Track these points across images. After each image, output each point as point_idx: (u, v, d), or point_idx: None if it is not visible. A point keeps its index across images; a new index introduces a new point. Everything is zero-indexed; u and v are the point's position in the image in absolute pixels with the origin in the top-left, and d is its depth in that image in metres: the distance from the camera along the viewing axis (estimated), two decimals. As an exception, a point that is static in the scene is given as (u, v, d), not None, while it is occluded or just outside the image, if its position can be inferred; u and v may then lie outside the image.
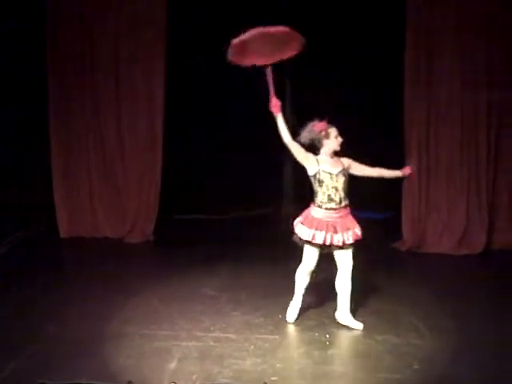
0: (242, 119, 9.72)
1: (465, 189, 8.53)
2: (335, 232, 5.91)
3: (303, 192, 9.82)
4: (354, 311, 6.32)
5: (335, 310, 6.26)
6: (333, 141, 5.93)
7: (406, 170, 6.32)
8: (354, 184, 9.86)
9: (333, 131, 5.93)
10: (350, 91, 9.69)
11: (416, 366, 5.36)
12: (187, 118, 9.79)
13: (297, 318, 6.24)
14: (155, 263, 8.33)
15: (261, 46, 5.67)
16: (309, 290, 6.31)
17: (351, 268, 6.10)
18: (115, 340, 5.86)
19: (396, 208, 8.84)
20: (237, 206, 9.99)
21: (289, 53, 5.91)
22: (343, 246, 5.98)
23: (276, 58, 5.86)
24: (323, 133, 5.90)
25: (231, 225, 9.72)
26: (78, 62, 8.99)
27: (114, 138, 9.17)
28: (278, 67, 8.66)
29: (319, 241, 5.90)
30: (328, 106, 9.51)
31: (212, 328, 6.09)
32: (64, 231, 9.31)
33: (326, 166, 5.91)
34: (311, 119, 5.94)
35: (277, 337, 5.93)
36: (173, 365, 5.37)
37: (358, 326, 6.08)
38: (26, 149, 9.22)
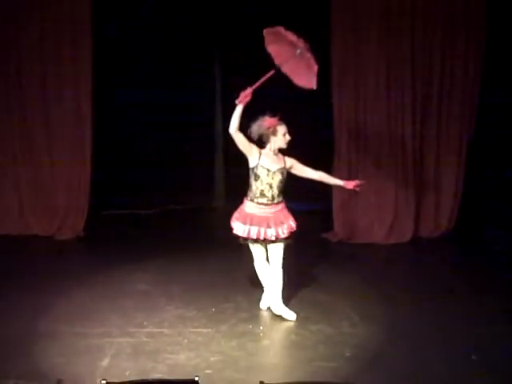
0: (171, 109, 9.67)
1: (393, 180, 8.68)
2: (268, 226, 5.96)
3: (235, 185, 9.92)
4: (288, 302, 6.36)
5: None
6: (280, 138, 5.95)
7: (350, 184, 6.24)
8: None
9: (281, 129, 5.95)
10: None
11: (348, 354, 5.45)
12: (117, 110, 9.63)
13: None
14: (86, 260, 8.20)
15: (290, 53, 5.88)
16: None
17: (282, 260, 6.14)
18: (45, 339, 5.75)
19: (326, 199, 8.92)
20: (167, 199, 9.91)
21: (298, 79, 6.03)
22: (277, 240, 6.03)
23: (287, 70, 5.98)
24: (271, 129, 5.91)
25: (161, 219, 9.64)
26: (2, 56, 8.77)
27: (41, 132, 8.92)
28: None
29: (253, 236, 5.96)
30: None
31: (145, 323, 6.04)
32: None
33: (266, 161, 5.93)
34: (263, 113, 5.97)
35: (210, 330, 5.92)
36: (105, 362, 5.31)
37: (292, 316, 6.12)
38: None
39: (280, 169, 5.97)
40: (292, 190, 9.96)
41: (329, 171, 8.66)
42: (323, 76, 8.47)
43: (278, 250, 6.10)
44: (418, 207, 8.77)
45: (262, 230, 5.94)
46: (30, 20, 8.64)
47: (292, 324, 6.04)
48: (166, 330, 5.90)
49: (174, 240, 8.52)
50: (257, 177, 5.93)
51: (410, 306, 6.47)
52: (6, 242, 8.82)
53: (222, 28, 9.72)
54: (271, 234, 5.96)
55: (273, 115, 5.94)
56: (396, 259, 8.13)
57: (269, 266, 6.16)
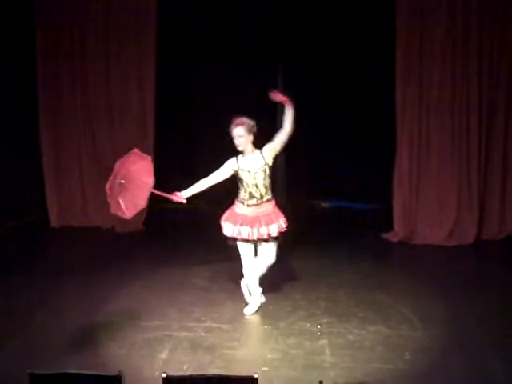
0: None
1: (455, 180, 8.54)
2: (260, 226, 5.96)
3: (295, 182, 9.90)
4: (347, 302, 6.37)
5: (324, 300, 6.31)
6: (235, 142, 5.93)
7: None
8: (345, 175, 10.02)
9: (234, 131, 5.91)
10: (340, 89, 9.70)
11: (407, 357, 5.37)
12: (179, 109, 9.72)
13: (255, 312, 6.23)
14: (145, 253, 8.29)
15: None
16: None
17: (273, 261, 6.17)
18: (106, 330, 5.84)
19: (387, 199, 8.84)
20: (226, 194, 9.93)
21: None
22: (268, 240, 6.04)
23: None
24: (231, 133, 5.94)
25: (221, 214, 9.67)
26: (67, 52, 8.95)
27: (105, 127, 9.15)
28: (270, 64, 8.56)
29: (245, 236, 5.97)
30: (318, 95, 9.55)
31: (203, 318, 6.09)
32: (55, 221, 9.29)
33: (245, 164, 5.95)
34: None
35: (268, 327, 5.93)
36: (164, 355, 5.37)
37: (254, 304, 6.21)
38: (17, 139, 9.14)
39: (261, 167, 5.93)
40: (351, 189, 10.05)
41: (390, 169, 8.70)
42: (388, 75, 8.50)
43: (269, 251, 6.12)
44: (482, 209, 8.60)
45: (255, 230, 5.94)
46: (94, 14, 8.81)
47: (350, 324, 5.98)
48: (223, 326, 5.93)
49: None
50: (241, 181, 5.96)
51: (471, 310, 6.33)
52: (70, 234, 9.03)
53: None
54: (263, 232, 5.96)
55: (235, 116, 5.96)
56: (458, 262, 7.96)
57: (255, 265, 6.17)
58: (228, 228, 6.05)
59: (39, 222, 9.30)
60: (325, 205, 10.33)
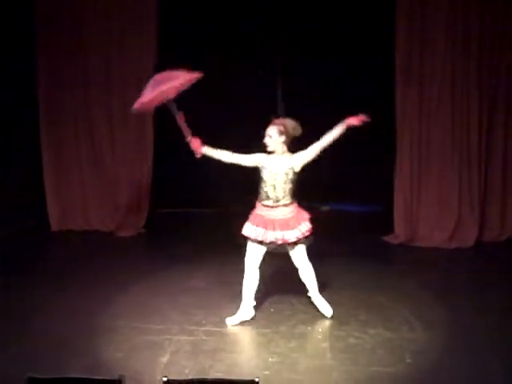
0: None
1: (456, 183, 8.53)
2: (274, 229, 5.86)
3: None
4: (347, 305, 6.36)
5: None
6: (265, 140, 5.90)
7: (352, 119, 5.88)
8: (345, 177, 10.01)
9: (267, 129, 5.88)
10: (340, 86, 9.69)
11: (408, 360, 5.36)
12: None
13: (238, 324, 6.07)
14: (146, 256, 8.30)
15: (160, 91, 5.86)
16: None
17: (308, 263, 6.08)
18: (106, 333, 5.84)
19: (387, 201, 8.83)
20: (228, 198, 9.94)
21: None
22: (286, 244, 5.92)
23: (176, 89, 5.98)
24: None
25: (223, 218, 9.67)
26: (68, 51, 8.95)
27: (105, 132, 9.15)
28: (269, 59, 8.53)
29: (257, 237, 5.88)
30: (318, 101, 9.55)
31: (204, 321, 6.07)
32: (55, 225, 9.29)
33: (269, 163, 5.86)
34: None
35: (269, 330, 5.91)
36: (165, 359, 5.36)
37: (328, 311, 6.15)
38: (16, 142, 9.14)
39: (284, 169, 5.82)
40: (351, 191, 10.04)
41: (391, 172, 8.68)
42: (388, 76, 8.50)
43: (299, 255, 6.03)
44: (483, 211, 8.59)
45: (269, 234, 5.84)
46: (95, 15, 8.84)
47: (351, 327, 5.98)
48: (224, 329, 5.92)
49: (233, 239, 8.53)
50: (261, 179, 5.89)
51: (471, 312, 6.33)
52: (70, 238, 9.04)
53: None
54: (278, 237, 5.85)
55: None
56: (458, 264, 7.97)
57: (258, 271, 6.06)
58: (246, 226, 5.95)
59: (39, 225, 9.29)
60: (325, 208, 10.32)
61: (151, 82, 5.91)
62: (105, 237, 9.03)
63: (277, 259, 6.28)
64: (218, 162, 9.24)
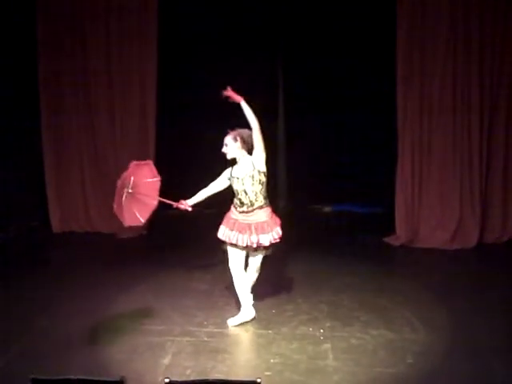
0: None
1: (458, 184, 8.52)
2: (250, 233, 5.88)
3: (296, 186, 9.88)
4: (349, 306, 6.36)
5: (327, 304, 6.30)
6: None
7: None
8: (346, 179, 10.02)
9: (225, 140, 5.99)
10: (342, 83, 9.69)
11: (410, 360, 5.36)
12: (180, 113, 9.71)
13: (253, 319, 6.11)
14: (148, 258, 8.28)
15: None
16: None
17: (259, 268, 6.15)
18: (107, 335, 5.84)
19: (389, 202, 8.83)
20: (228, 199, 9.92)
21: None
22: (258, 249, 5.98)
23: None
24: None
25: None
26: (69, 52, 8.96)
27: (106, 133, 9.16)
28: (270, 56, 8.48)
29: (233, 241, 5.92)
30: (318, 95, 9.55)
31: (205, 323, 6.08)
32: (56, 226, 9.29)
33: (234, 171, 5.97)
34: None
35: (270, 331, 5.91)
36: (166, 360, 5.35)
37: (250, 314, 6.10)
38: (18, 143, 9.15)
39: (249, 172, 5.87)
40: (353, 193, 10.04)
41: (392, 173, 8.69)
42: (389, 76, 8.51)
43: (257, 261, 6.09)
44: (484, 212, 8.59)
45: (245, 237, 5.86)
46: (96, 19, 8.83)
47: (352, 328, 5.98)
48: (226, 331, 5.92)
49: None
50: (232, 188, 5.97)
51: (473, 313, 6.32)
52: (71, 239, 9.04)
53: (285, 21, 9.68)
54: (254, 241, 5.86)
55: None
56: (460, 265, 7.96)
57: (245, 272, 6.12)
58: (221, 230, 6.04)
59: (41, 227, 9.29)
60: (326, 209, 10.33)
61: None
62: (106, 238, 9.02)
63: (279, 262, 6.30)
64: (223, 165, 9.29)
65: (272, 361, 5.35)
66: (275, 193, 10.28)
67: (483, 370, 5.23)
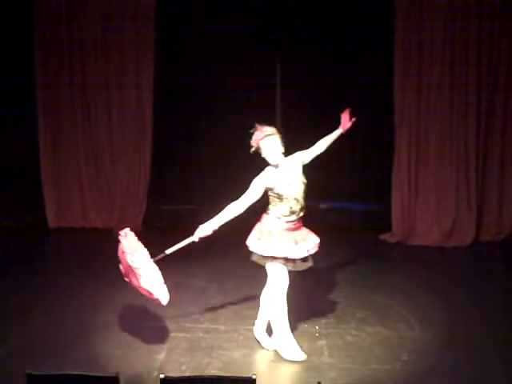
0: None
1: (454, 182, 8.55)
2: (302, 242, 5.32)
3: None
4: (344, 303, 6.35)
5: (322, 301, 6.29)
6: (267, 154, 5.19)
7: (345, 124, 5.60)
8: (343, 176, 10.00)
9: (266, 142, 5.17)
10: (339, 82, 9.67)
11: (405, 358, 5.37)
12: (177, 106, 9.69)
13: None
14: (144, 254, 8.25)
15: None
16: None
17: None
18: (103, 330, 5.84)
19: (385, 200, 8.83)
20: (225, 196, 9.90)
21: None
22: (306, 259, 5.38)
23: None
24: (258, 145, 5.21)
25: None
26: (66, 51, 8.94)
27: (103, 127, 9.15)
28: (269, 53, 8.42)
29: (290, 255, 5.24)
30: (316, 95, 9.53)
31: (201, 319, 6.08)
32: (53, 221, 9.28)
33: (281, 176, 5.21)
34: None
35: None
36: (162, 356, 5.36)
37: (268, 346, 5.50)
38: (14, 139, 9.14)
39: (299, 177, 5.28)
40: (349, 190, 10.03)
41: (388, 170, 8.68)
42: (387, 72, 8.51)
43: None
44: (480, 210, 8.60)
45: (300, 249, 5.27)
46: (92, 20, 8.83)
47: (348, 325, 5.98)
48: (221, 327, 5.92)
49: (231, 237, 8.52)
50: (277, 196, 5.21)
51: (469, 311, 6.34)
52: (68, 234, 9.03)
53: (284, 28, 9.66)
54: (305, 251, 5.31)
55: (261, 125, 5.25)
56: (455, 263, 7.99)
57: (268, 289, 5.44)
58: (265, 246, 5.23)
59: (37, 222, 9.27)
60: (323, 206, 10.31)
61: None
62: (103, 234, 9.00)
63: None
64: (218, 161, 9.26)
65: (267, 357, 5.36)
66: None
67: (479, 367, 5.24)
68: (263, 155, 5.21)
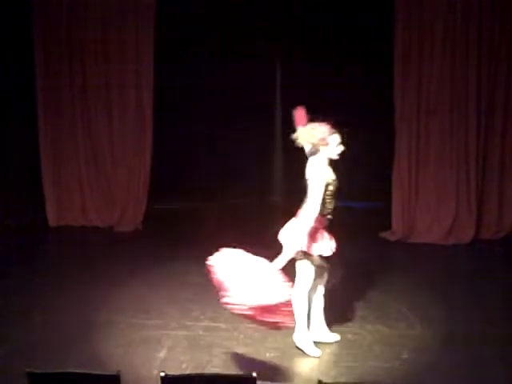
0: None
1: (454, 180, 8.54)
2: (328, 241, 5.33)
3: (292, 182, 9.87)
4: (345, 301, 6.34)
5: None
6: (332, 149, 5.29)
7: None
8: (343, 174, 10.01)
9: (334, 138, 5.28)
10: (340, 82, 9.67)
11: (405, 356, 5.37)
12: (177, 107, 9.69)
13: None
14: (144, 252, 8.26)
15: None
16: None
17: None
18: (103, 329, 5.85)
19: (386, 198, 8.83)
20: (226, 193, 9.91)
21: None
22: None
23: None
24: (324, 141, 5.24)
25: (220, 213, 9.66)
26: (66, 51, 8.94)
27: (103, 127, 9.15)
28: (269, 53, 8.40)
29: (329, 253, 5.31)
30: (317, 93, 9.53)
31: (201, 317, 6.08)
32: (53, 220, 9.27)
33: (331, 173, 5.29)
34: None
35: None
36: (162, 354, 5.36)
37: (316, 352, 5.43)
38: (15, 138, 9.13)
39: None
40: (350, 188, 10.02)
41: (389, 169, 8.70)
42: (386, 72, 8.51)
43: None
44: (480, 208, 8.59)
45: (330, 245, 5.32)
46: (92, 20, 8.82)
47: (349, 323, 5.98)
48: (222, 325, 5.91)
49: (231, 234, 8.52)
50: (330, 191, 5.23)
51: (469, 309, 6.34)
52: (68, 233, 9.02)
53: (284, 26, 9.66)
54: (330, 250, 5.33)
55: (324, 121, 5.28)
56: (455, 261, 7.99)
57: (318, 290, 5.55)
58: (318, 247, 5.25)
59: (37, 221, 9.27)
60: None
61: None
62: (103, 232, 9.02)
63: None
64: (218, 158, 9.23)
65: (268, 355, 5.36)
66: (271, 188, 10.34)
67: (479, 365, 5.24)
68: (321, 149, 5.22)
